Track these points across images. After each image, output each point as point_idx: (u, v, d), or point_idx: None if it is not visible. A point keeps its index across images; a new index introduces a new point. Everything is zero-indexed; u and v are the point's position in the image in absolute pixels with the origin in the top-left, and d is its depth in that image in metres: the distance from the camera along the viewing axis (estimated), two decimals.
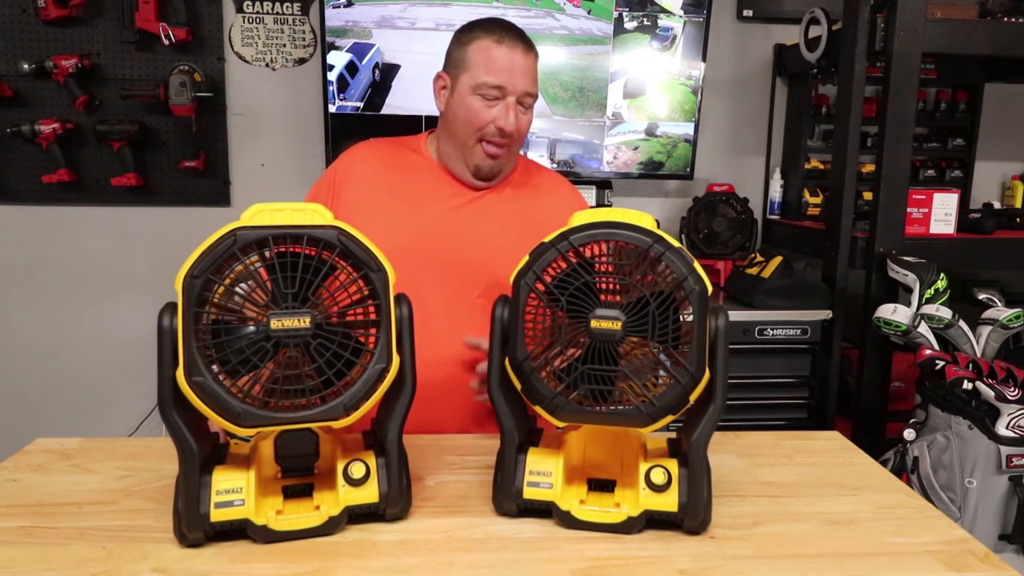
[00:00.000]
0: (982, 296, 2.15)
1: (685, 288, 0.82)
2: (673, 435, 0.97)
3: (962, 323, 1.97)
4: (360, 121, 2.45)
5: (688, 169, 2.62)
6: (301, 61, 2.59)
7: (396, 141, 1.45)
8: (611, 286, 0.84)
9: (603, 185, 2.59)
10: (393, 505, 0.88)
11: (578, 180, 2.48)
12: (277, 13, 2.55)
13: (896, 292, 2.14)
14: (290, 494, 0.88)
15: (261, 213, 0.80)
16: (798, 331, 2.28)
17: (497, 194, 1.39)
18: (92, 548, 0.83)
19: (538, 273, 0.84)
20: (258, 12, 2.54)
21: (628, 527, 0.88)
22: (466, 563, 0.82)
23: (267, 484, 0.87)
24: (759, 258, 2.39)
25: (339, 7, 2.36)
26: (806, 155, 2.73)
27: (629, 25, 2.48)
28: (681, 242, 1.11)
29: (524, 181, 1.42)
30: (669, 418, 0.84)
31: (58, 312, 2.63)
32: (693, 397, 0.84)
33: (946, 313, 1.95)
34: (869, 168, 2.48)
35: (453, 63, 1.33)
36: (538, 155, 2.51)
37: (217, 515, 0.83)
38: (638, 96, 2.54)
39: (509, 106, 1.28)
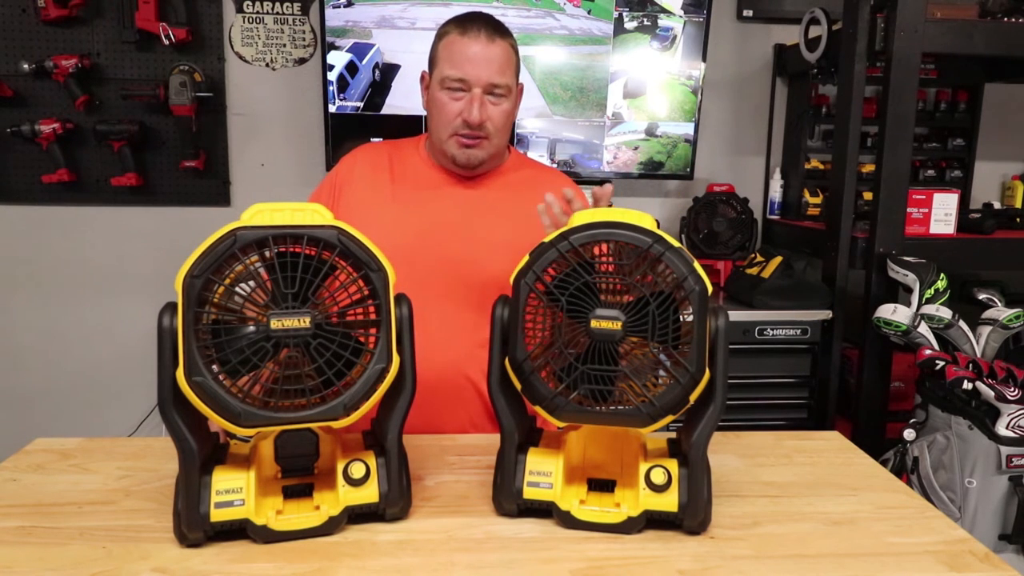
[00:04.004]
0: (982, 296, 2.15)
1: (685, 288, 0.82)
2: (673, 435, 0.97)
3: (962, 323, 1.97)
4: (360, 121, 2.45)
5: (688, 169, 2.62)
6: (301, 61, 2.59)
7: (396, 143, 1.46)
8: (611, 286, 0.84)
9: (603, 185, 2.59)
10: (393, 505, 0.88)
11: (578, 180, 2.45)
12: (277, 13, 2.54)
13: (896, 292, 2.14)
14: (290, 494, 0.88)
15: (261, 213, 0.81)
16: (798, 331, 2.28)
17: (496, 191, 1.39)
18: (92, 548, 0.83)
19: (538, 273, 0.84)
20: (258, 12, 2.54)
21: (628, 527, 0.88)
22: (466, 563, 0.82)
23: (267, 484, 0.87)
24: (759, 258, 2.38)
25: (339, 7, 2.36)
26: (806, 155, 2.72)
27: (629, 25, 2.48)
28: (681, 242, 1.11)
29: (521, 177, 1.42)
30: (669, 418, 0.84)
31: (58, 312, 2.62)
32: (693, 397, 0.84)
33: (946, 313, 1.95)
34: (869, 168, 2.48)
35: (430, 61, 1.36)
36: (538, 155, 2.51)
37: (217, 515, 0.83)
38: (638, 96, 2.54)
39: (474, 98, 1.28)
